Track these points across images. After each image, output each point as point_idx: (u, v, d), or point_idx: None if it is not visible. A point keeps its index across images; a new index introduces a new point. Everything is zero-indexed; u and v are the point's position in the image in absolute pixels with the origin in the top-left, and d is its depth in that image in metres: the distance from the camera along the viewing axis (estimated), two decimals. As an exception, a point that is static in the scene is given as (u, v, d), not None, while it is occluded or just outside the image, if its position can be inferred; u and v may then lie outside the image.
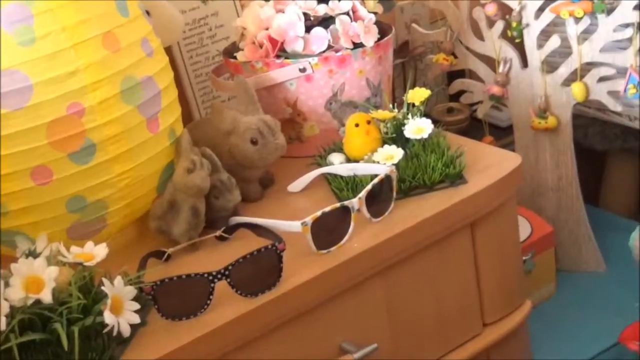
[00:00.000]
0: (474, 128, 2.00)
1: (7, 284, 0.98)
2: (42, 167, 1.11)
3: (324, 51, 1.40)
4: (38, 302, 0.97)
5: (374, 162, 1.28)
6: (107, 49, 1.13)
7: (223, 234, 1.23)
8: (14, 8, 1.08)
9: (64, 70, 1.09)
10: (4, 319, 0.94)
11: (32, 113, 1.08)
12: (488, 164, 1.32)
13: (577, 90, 1.72)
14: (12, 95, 1.08)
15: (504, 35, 1.80)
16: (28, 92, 1.08)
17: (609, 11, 1.64)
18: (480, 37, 1.83)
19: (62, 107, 1.09)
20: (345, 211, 1.18)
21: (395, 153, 1.27)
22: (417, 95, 1.35)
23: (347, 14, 1.41)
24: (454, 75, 1.99)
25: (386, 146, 1.29)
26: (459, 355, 1.35)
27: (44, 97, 1.08)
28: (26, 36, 1.08)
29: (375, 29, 1.43)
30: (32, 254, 1.08)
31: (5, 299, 0.96)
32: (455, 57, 1.88)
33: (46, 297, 0.97)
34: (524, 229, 1.77)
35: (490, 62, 1.83)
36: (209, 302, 1.08)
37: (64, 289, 1.00)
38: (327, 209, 1.16)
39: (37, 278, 0.98)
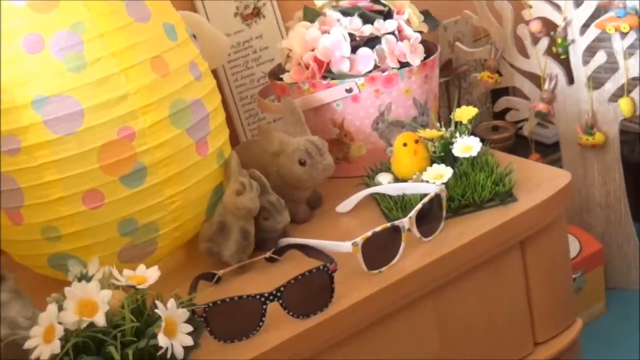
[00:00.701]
0: (519, 146, 1.99)
1: (60, 308, 0.98)
2: (93, 190, 1.11)
3: (370, 71, 1.40)
4: (92, 325, 0.97)
5: (423, 181, 1.28)
6: (156, 73, 1.14)
7: (273, 255, 1.23)
8: (64, 35, 1.09)
9: (114, 94, 1.10)
10: (58, 342, 0.95)
11: (84, 137, 1.09)
12: (538, 182, 1.31)
13: (624, 105, 1.71)
14: (64, 121, 1.09)
15: (548, 51, 1.79)
16: (79, 117, 1.09)
17: (656, 26, 1.64)
18: (525, 54, 1.83)
19: (112, 131, 1.10)
20: (396, 231, 1.17)
21: (444, 172, 1.27)
22: (465, 113, 1.34)
23: (393, 33, 1.41)
24: (497, 93, 1.98)
25: (435, 165, 1.29)
26: (511, 375, 1.34)
27: (94, 122, 1.09)
28: (76, 62, 1.09)
29: (421, 48, 1.43)
30: (85, 278, 1.08)
31: (60, 323, 0.97)
32: (500, 74, 1.88)
33: (100, 320, 0.97)
34: (573, 247, 1.76)
35: (535, 79, 1.83)
36: (261, 324, 1.07)
37: (117, 312, 1.01)
38: (378, 229, 1.15)
39: (91, 301, 0.99)
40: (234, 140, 1.55)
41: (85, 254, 1.15)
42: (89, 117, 1.09)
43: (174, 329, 1.00)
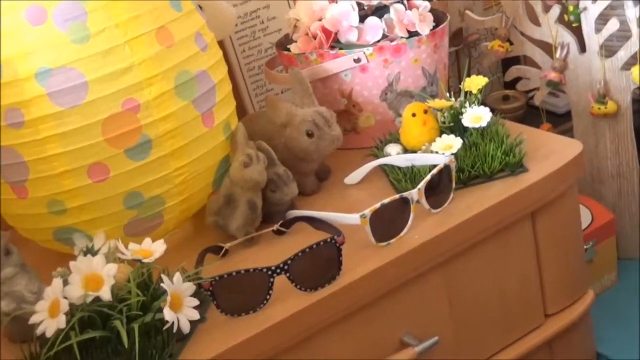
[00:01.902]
0: (530, 115, 1.97)
1: (66, 282, 0.98)
2: (98, 164, 1.11)
3: (378, 41, 1.39)
4: (97, 299, 0.97)
5: (432, 152, 1.26)
6: (161, 44, 1.12)
7: (280, 228, 1.22)
8: (66, 6, 1.08)
9: (118, 66, 1.09)
10: (63, 317, 0.95)
11: (88, 110, 1.08)
12: (548, 152, 1.30)
13: (637, 74, 1.69)
14: (68, 93, 1.08)
15: (560, 19, 1.77)
16: (83, 90, 1.08)
17: (669, -8, 1.61)
18: (536, 23, 1.80)
19: (117, 103, 1.09)
20: (405, 203, 1.16)
21: (453, 142, 1.25)
22: (474, 83, 1.33)
23: (402, 2, 1.40)
24: (508, 62, 1.96)
25: (444, 135, 1.27)
26: (521, 347, 1.33)
27: (99, 94, 1.08)
28: (80, 34, 1.08)
29: (430, 17, 1.41)
30: (90, 252, 1.08)
31: (65, 297, 0.96)
32: (511, 43, 1.86)
33: (105, 294, 0.97)
34: (585, 217, 1.74)
35: (547, 48, 1.80)
36: (268, 297, 1.07)
37: (122, 286, 1.00)
38: (386, 200, 1.14)
39: (96, 275, 0.98)
40: (241, 111, 1.54)
41: (91, 228, 1.14)
42: (93, 89, 1.08)
43: (180, 303, 0.99)
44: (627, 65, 1.71)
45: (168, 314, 0.96)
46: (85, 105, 1.08)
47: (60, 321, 0.94)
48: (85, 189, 1.12)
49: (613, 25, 1.69)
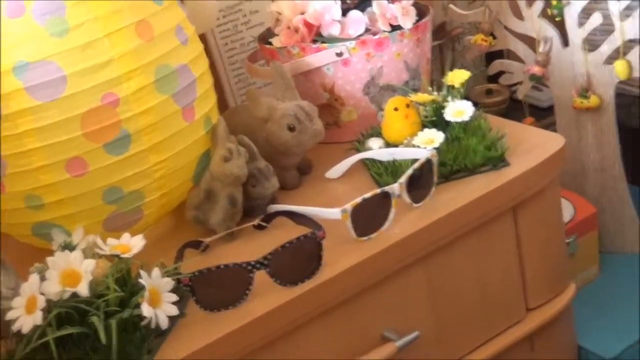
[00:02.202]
0: (513, 109, 1.97)
1: (43, 278, 0.97)
2: (77, 158, 1.10)
3: (361, 35, 1.38)
4: (75, 295, 0.96)
5: (414, 146, 1.26)
6: (141, 38, 1.12)
7: (261, 223, 1.21)
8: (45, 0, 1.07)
9: (97, 60, 1.08)
10: (40, 313, 0.94)
11: (67, 104, 1.07)
12: (530, 146, 1.30)
13: (620, 68, 1.69)
14: (46, 87, 1.07)
15: (543, 14, 1.76)
16: (62, 83, 1.07)
17: (652, -14, 1.61)
18: (520, 17, 1.80)
19: (96, 97, 1.08)
20: (386, 197, 1.16)
21: (435, 137, 1.25)
22: (457, 77, 1.33)
23: (384, -5, 1.39)
24: (492, 56, 1.96)
25: (426, 130, 1.27)
26: (503, 341, 1.33)
27: (78, 88, 1.07)
28: (59, 27, 1.07)
29: (413, 11, 1.41)
30: (68, 247, 1.07)
31: (42, 293, 0.96)
32: (494, 37, 1.85)
33: (83, 290, 0.96)
34: (567, 211, 1.74)
35: (530, 42, 1.80)
36: (248, 292, 1.06)
37: (100, 281, 1.00)
38: (367, 195, 1.14)
39: (74, 271, 0.97)
40: (223, 105, 1.53)
41: (69, 223, 1.14)
42: (71, 83, 1.07)
43: (159, 299, 0.99)
44: (610, 59, 1.71)
45: (146, 310, 0.96)
46: (64, 99, 1.07)
47: (37, 317, 0.94)
48: (63, 183, 1.11)
49: (596, 19, 1.69)
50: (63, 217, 1.14)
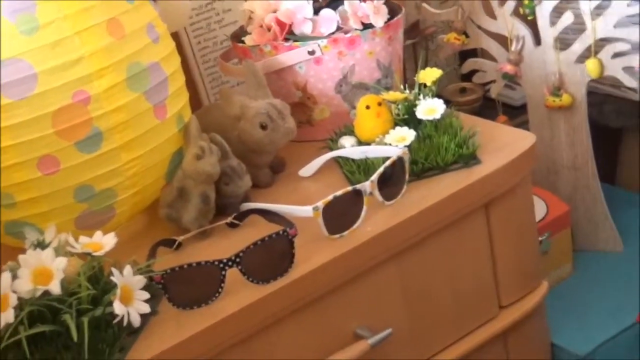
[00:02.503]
0: (487, 108, 1.98)
1: (15, 276, 0.97)
2: (48, 156, 1.09)
3: (333, 33, 1.38)
4: (47, 293, 0.96)
5: (385, 144, 1.26)
6: (112, 36, 1.11)
7: (234, 221, 1.22)
8: (16, -4, 1.07)
9: (68, 58, 1.08)
10: (12, 311, 0.93)
11: (37, 102, 1.07)
12: (502, 144, 1.31)
13: (591, 66, 1.70)
14: (17, 85, 1.06)
15: (516, 12, 1.77)
16: (32, 81, 1.06)
17: (623, -14, 1.62)
18: (492, 15, 1.81)
19: (67, 95, 1.08)
20: (358, 195, 1.16)
21: (407, 135, 1.26)
22: (429, 75, 1.33)
23: (356, -6, 1.40)
24: (465, 54, 1.96)
25: (398, 128, 1.27)
26: (476, 339, 1.33)
27: (48, 86, 1.07)
28: (29, 25, 1.06)
29: (384, 9, 1.41)
30: (41, 245, 1.07)
31: (14, 291, 0.95)
32: (467, 36, 1.86)
33: (55, 288, 0.96)
34: (540, 209, 1.75)
35: (503, 41, 1.81)
36: (220, 290, 1.06)
37: (73, 279, 0.99)
38: (339, 192, 1.14)
39: (46, 269, 0.97)
40: (196, 104, 1.53)
41: (42, 221, 1.13)
42: (42, 81, 1.07)
43: (131, 296, 0.99)
44: (582, 58, 1.72)
45: (118, 308, 0.95)
46: (35, 97, 1.07)
47: (9, 315, 0.93)
48: (35, 181, 1.10)
49: (567, 18, 1.70)
50: (35, 215, 1.13)
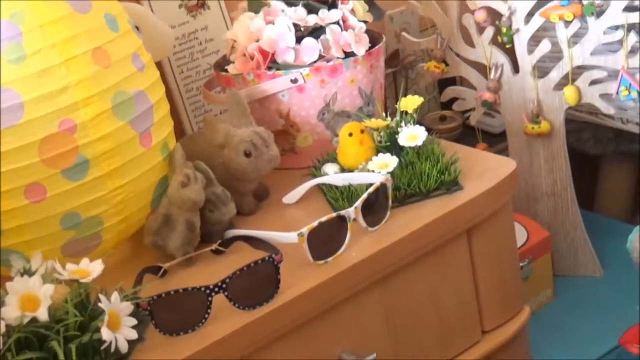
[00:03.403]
0: (466, 135, 1.99)
1: (2, 303, 0.97)
2: (35, 184, 1.10)
3: (315, 61, 1.40)
4: (34, 320, 0.96)
5: (368, 171, 1.28)
6: (98, 65, 1.12)
7: (219, 248, 1.22)
8: (2, 25, 1.07)
9: (54, 86, 1.08)
10: None
11: (24, 130, 1.08)
12: (483, 170, 1.32)
13: (569, 94, 1.72)
14: (3, 114, 1.07)
15: (494, 41, 1.80)
16: (19, 110, 1.07)
17: (599, 14, 1.64)
18: (471, 44, 1.83)
19: (53, 124, 1.09)
20: (342, 221, 1.17)
21: (389, 161, 1.27)
22: (410, 102, 1.35)
23: (338, 23, 1.41)
24: (445, 83, 1.98)
25: (380, 155, 1.29)
26: (459, 363, 1.34)
27: (35, 114, 1.08)
28: (16, 54, 1.07)
29: (366, 38, 1.43)
30: (27, 273, 1.07)
31: (1, 318, 0.95)
32: (447, 64, 1.88)
33: (42, 315, 0.96)
34: (520, 235, 1.77)
35: (482, 69, 1.83)
36: (206, 316, 1.07)
37: (60, 306, 0.99)
38: (323, 219, 1.15)
39: (33, 296, 0.97)
40: (180, 132, 1.54)
41: (28, 249, 1.13)
42: (29, 110, 1.07)
43: (118, 323, 0.99)
44: (560, 86, 1.74)
45: (105, 334, 0.96)
46: (22, 126, 1.07)
47: (-4, 342, 0.94)
48: (22, 209, 1.11)
49: (545, 46, 1.72)
50: (22, 243, 1.13)
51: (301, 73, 1.38)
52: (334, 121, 1.41)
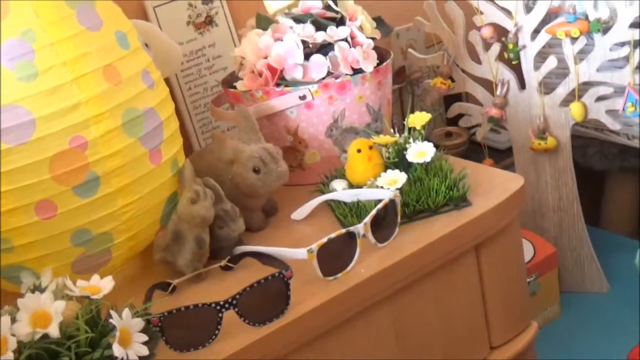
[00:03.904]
0: (473, 151, 2.00)
1: (14, 320, 0.97)
2: (46, 201, 1.10)
3: (323, 78, 1.40)
4: (45, 336, 0.96)
5: (377, 187, 1.28)
6: (108, 82, 1.13)
7: (228, 264, 1.22)
8: (14, 43, 1.08)
9: (65, 104, 1.09)
10: (11, 355, 0.94)
11: (35, 147, 1.08)
12: (491, 186, 1.32)
13: (575, 110, 1.73)
14: (15, 130, 1.07)
15: (500, 57, 1.80)
16: (30, 127, 1.08)
17: (605, 30, 1.65)
18: (477, 60, 1.84)
19: (64, 140, 1.09)
20: (351, 237, 1.17)
21: (398, 177, 1.27)
22: (418, 119, 1.35)
23: (346, 40, 1.42)
24: (451, 99, 1.99)
25: (389, 171, 1.29)
26: (468, 379, 1.34)
27: (46, 132, 1.08)
28: (27, 71, 1.08)
29: (374, 54, 1.43)
30: (38, 289, 1.07)
31: (13, 335, 0.95)
32: (453, 80, 1.89)
33: (54, 331, 0.96)
34: (527, 251, 1.77)
35: (488, 85, 1.84)
36: (217, 332, 1.07)
37: (71, 323, 1.00)
38: (333, 235, 1.15)
39: (44, 312, 0.97)
40: (188, 149, 1.54)
41: (38, 265, 1.14)
42: (40, 127, 1.08)
43: (129, 339, 0.99)
44: (566, 102, 1.75)
45: (117, 350, 0.96)
46: (33, 143, 1.08)
47: (8, 359, 0.94)
48: (32, 226, 1.11)
49: (551, 62, 1.73)
50: (32, 259, 1.14)
51: (309, 90, 1.38)
52: (342, 137, 1.42)
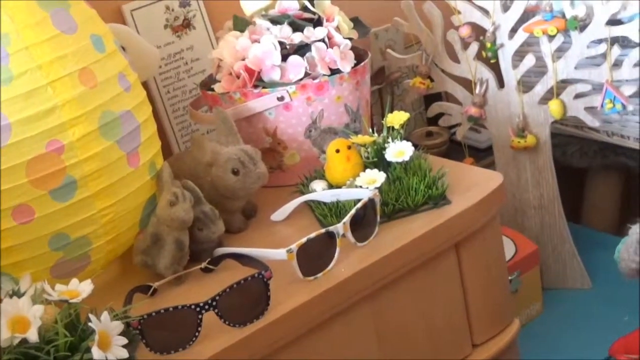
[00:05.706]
0: (453, 151, 2.00)
1: (-8, 325, 0.97)
2: (23, 205, 1.10)
3: (301, 79, 1.40)
4: (24, 341, 0.96)
5: (356, 187, 1.28)
6: (84, 85, 1.13)
7: (208, 266, 1.22)
8: (-12, 48, 1.08)
9: (41, 107, 1.09)
10: (-10, 360, 0.94)
11: (11, 152, 1.08)
12: (470, 184, 1.33)
13: (554, 108, 1.73)
14: (-9, 135, 1.07)
15: (479, 56, 1.81)
16: (6, 132, 1.07)
17: (582, 28, 1.66)
18: (456, 60, 1.84)
19: (41, 144, 1.09)
20: (331, 237, 1.17)
21: (377, 177, 1.27)
22: (397, 118, 1.35)
23: (323, 40, 1.42)
24: (430, 98, 1.99)
25: (368, 170, 1.29)
26: (450, 378, 1.34)
27: (22, 136, 1.08)
28: (2, 75, 1.07)
29: (351, 55, 1.43)
30: (17, 294, 1.07)
31: (-9, 340, 0.95)
32: (432, 80, 1.89)
33: (32, 336, 0.96)
34: (509, 249, 1.77)
35: (467, 84, 1.84)
36: (197, 334, 1.07)
37: (50, 327, 0.99)
38: (312, 235, 1.15)
39: (23, 318, 0.97)
40: (167, 152, 1.54)
41: (17, 271, 1.13)
42: (16, 131, 1.08)
43: (108, 342, 0.99)
44: (544, 100, 1.76)
45: (96, 353, 0.96)
46: (9, 147, 1.07)
47: (-14, 364, 0.94)
48: (10, 231, 1.11)
49: (529, 61, 1.74)
50: (10, 265, 1.13)
51: (287, 91, 1.38)
52: (321, 138, 1.41)
